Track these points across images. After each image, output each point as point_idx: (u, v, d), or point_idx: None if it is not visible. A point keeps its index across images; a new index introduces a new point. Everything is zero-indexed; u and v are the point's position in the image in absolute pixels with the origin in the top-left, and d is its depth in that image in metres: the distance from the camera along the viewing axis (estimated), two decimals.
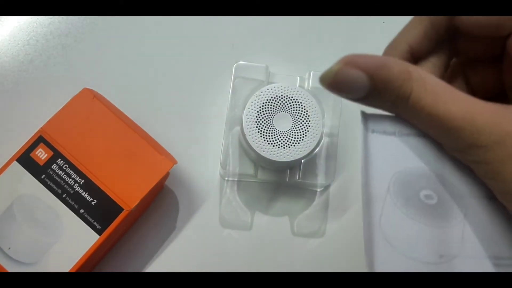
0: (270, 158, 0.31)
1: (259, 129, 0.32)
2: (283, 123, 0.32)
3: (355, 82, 0.17)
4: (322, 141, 0.33)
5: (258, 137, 0.32)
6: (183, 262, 0.35)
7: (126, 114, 0.34)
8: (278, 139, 0.32)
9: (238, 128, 0.33)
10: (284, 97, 0.32)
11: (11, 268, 0.29)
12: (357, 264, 0.35)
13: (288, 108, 0.32)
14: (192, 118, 0.37)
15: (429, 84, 0.17)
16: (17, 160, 0.31)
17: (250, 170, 0.34)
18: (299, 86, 0.33)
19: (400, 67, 0.17)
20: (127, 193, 0.31)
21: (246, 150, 0.34)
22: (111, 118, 0.32)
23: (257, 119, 0.32)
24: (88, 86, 0.33)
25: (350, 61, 0.17)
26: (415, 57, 0.21)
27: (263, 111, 0.32)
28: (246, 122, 0.32)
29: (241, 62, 0.34)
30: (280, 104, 0.32)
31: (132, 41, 0.38)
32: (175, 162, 0.32)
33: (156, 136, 0.34)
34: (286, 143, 0.32)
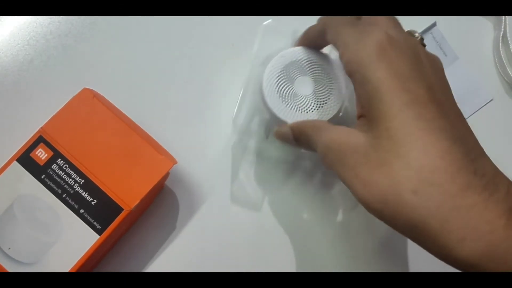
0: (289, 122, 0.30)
1: (279, 92, 0.31)
2: (304, 87, 0.31)
3: (287, 134, 0.29)
4: (344, 106, 0.32)
5: (279, 101, 0.31)
6: (183, 262, 0.35)
7: (126, 114, 0.34)
8: (299, 103, 0.31)
9: (255, 88, 0.33)
10: (307, 60, 0.31)
11: (11, 268, 0.30)
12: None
13: (310, 72, 0.31)
14: (192, 118, 0.37)
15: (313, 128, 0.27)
16: (17, 160, 0.31)
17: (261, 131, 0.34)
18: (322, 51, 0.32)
19: (301, 125, 0.29)
20: (127, 193, 0.31)
21: (262, 111, 0.33)
22: (111, 118, 0.32)
23: (278, 82, 0.31)
24: (88, 86, 0.33)
25: (283, 125, 0.30)
26: (317, 46, 0.31)
27: (284, 74, 0.31)
28: (266, 84, 0.31)
29: (269, 21, 0.34)
30: (302, 67, 0.31)
31: (132, 41, 0.38)
32: (175, 162, 0.32)
33: (156, 136, 0.34)
34: (307, 108, 0.31)
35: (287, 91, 0.31)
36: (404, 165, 0.21)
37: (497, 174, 0.22)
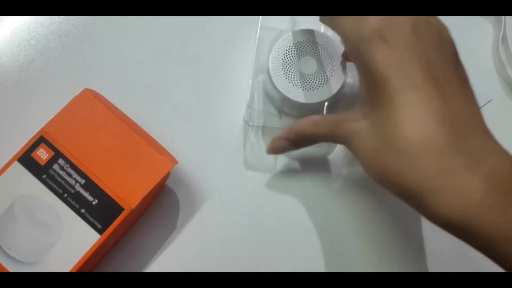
0: (295, 100, 0.33)
1: (284, 71, 0.33)
2: (308, 66, 0.33)
3: (282, 145, 0.31)
4: (346, 85, 0.34)
5: (284, 79, 0.33)
6: (183, 262, 0.35)
7: (126, 114, 0.34)
8: (303, 81, 0.33)
9: (262, 76, 0.35)
10: (309, 41, 0.33)
11: (12, 268, 0.30)
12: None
13: (313, 52, 0.33)
14: (193, 118, 0.37)
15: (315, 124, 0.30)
16: (18, 160, 0.31)
17: (274, 114, 0.35)
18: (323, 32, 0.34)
19: (297, 129, 0.30)
20: (128, 193, 0.31)
21: (270, 96, 0.35)
22: (112, 118, 0.32)
23: (283, 62, 0.33)
24: (88, 86, 0.33)
25: (274, 138, 0.32)
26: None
27: (288, 55, 0.33)
28: (272, 64, 0.33)
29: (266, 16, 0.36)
30: (305, 48, 0.33)
31: (133, 41, 0.38)
32: (175, 162, 0.32)
33: (156, 136, 0.34)
34: (311, 86, 0.33)
35: (292, 71, 0.33)
36: (391, 153, 0.24)
37: (487, 150, 0.24)
